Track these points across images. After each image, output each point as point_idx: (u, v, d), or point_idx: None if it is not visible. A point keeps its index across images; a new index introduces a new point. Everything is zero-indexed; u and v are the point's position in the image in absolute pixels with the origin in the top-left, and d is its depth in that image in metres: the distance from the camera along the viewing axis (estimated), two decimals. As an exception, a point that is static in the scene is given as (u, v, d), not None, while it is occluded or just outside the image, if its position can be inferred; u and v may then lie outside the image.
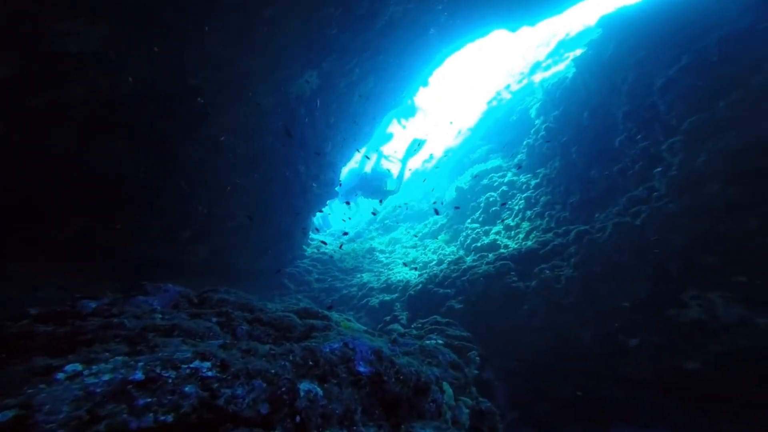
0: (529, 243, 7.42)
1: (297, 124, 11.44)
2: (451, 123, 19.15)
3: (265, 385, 1.43)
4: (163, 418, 1.14)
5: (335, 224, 25.05)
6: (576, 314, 5.06)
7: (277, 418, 1.44)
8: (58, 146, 7.19)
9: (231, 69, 9.15)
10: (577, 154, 8.06)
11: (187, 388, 1.28)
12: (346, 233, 20.80)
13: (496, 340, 6.53)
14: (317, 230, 21.11)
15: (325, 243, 19.62)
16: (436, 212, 12.45)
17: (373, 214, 20.87)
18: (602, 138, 7.36)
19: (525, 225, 9.53)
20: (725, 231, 4.39)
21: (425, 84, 17.50)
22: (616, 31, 7.52)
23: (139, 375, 1.21)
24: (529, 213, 9.49)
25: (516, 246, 9.58)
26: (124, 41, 6.91)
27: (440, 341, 6.72)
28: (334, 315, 9.27)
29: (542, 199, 9.16)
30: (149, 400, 1.16)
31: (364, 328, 9.08)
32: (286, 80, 10.72)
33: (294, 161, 11.06)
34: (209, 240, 9.23)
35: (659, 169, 5.25)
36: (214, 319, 2.81)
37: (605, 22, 8.10)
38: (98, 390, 1.09)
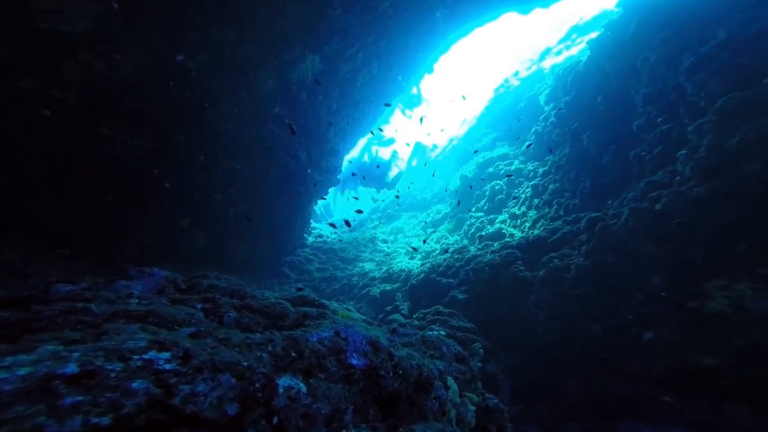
0: (537, 231, 7.14)
1: (298, 110, 11.14)
2: (464, 98, 18.65)
3: (234, 380, 1.20)
4: (96, 420, 0.90)
5: (338, 213, 24.83)
6: (586, 305, 4.80)
7: (249, 419, 1.21)
8: (52, 131, 6.98)
9: (230, 52, 8.85)
10: (589, 140, 7.70)
11: (134, 384, 1.04)
12: (348, 223, 20.57)
13: (501, 331, 6.30)
14: (318, 217, 20.93)
15: (333, 225, 19.54)
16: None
17: (374, 201, 20.67)
18: (617, 123, 7.01)
19: (532, 213, 9.23)
20: (761, 216, 4.05)
21: (430, 71, 17.06)
22: (638, 10, 7.11)
23: (71, 368, 0.98)
24: (536, 201, 9.18)
25: (522, 234, 9.31)
26: (117, 20, 6.64)
27: (442, 332, 6.51)
28: (333, 304, 9.08)
29: (550, 186, 8.84)
30: (80, 398, 0.93)
31: (363, 317, 8.90)
32: (287, 65, 10.40)
33: (295, 148, 10.79)
34: (208, 227, 9.03)
35: (684, 152, 4.90)
36: (199, 306, 2.58)
37: (626, 1, 7.67)
38: (6, 387, 0.86)
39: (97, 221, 7.81)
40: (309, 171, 11.39)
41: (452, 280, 8.92)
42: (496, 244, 8.87)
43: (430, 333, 3.28)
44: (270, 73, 10.08)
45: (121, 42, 6.80)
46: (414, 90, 21.28)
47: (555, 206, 8.07)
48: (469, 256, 8.89)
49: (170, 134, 8.04)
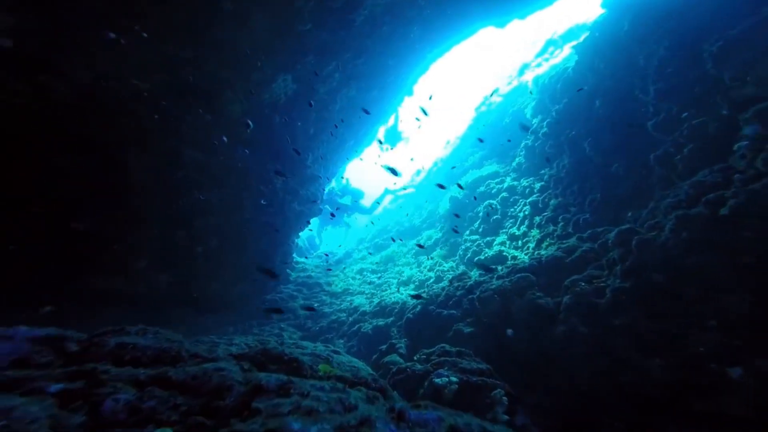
0: (549, 251, 6.27)
1: (272, 134, 10.30)
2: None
3: None
4: None
5: (324, 245, 23.60)
6: (635, 337, 3.86)
7: None
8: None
9: (192, 71, 8.03)
10: (591, 147, 7.06)
11: None
12: (327, 255, 19.55)
13: (523, 371, 5.27)
14: (302, 250, 19.71)
15: (327, 255, 18.47)
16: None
17: (372, 223, 19.84)
18: (623, 125, 6.39)
19: (534, 233, 8.42)
20: None
21: (410, 93, 16.68)
22: (628, 5, 6.69)
23: None
24: (537, 219, 8.40)
25: (527, 255, 8.43)
26: (42, 35, 5.73)
27: (454, 379, 5.42)
28: (319, 347, 7.85)
29: (552, 202, 8.10)
30: None
31: (355, 363, 7.66)
32: (257, 85, 9.62)
33: (269, 175, 9.84)
34: (171, 269, 7.83)
35: (744, 143, 4.16)
36: (57, 387, 1.52)
37: (610, 1, 7.31)
38: None
39: (38, 261, 6.56)
40: (286, 200, 10.41)
41: (454, 311, 7.88)
42: (501, 268, 7.95)
43: (458, 420, 2.14)
44: (238, 94, 9.27)
45: (53, 61, 5.86)
46: (391, 121, 20.99)
47: (561, 223, 7.30)
48: (472, 283, 7.93)
49: (123, 162, 7.00)
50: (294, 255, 17.47)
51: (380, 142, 20.92)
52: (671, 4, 5.96)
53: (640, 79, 6.23)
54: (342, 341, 10.63)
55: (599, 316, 4.30)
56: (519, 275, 6.01)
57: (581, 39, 8.51)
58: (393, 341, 8.65)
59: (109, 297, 7.30)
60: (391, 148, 21.52)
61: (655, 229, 4.24)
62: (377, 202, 21.17)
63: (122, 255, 6.97)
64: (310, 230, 21.13)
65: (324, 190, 13.47)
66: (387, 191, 21.71)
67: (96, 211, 6.54)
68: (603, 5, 7.62)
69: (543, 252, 7.97)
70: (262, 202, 9.74)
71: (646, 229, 4.41)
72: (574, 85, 8.12)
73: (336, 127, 11.91)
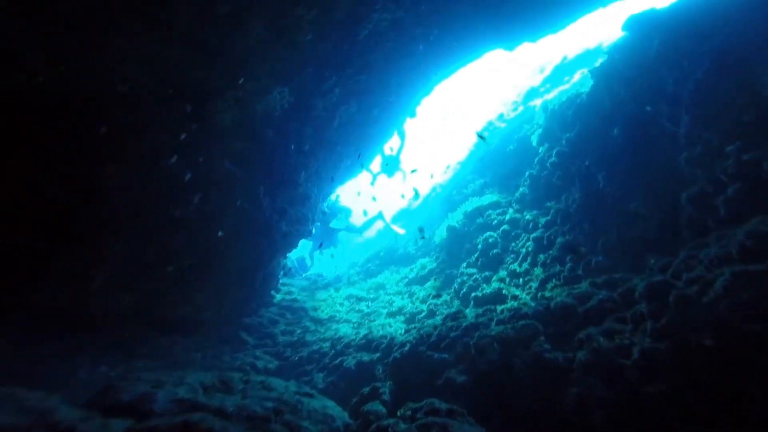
0: (556, 294, 5.58)
1: (263, 148, 9.68)
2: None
3: None
4: None
5: (315, 266, 22.65)
6: (679, 408, 3.11)
7: None
8: None
9: (176, 76, 7.46)
10: (606, 181, 6.46)
11: None
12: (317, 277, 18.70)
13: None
14: (290, 271, 18.81)
15: (317, 277, 17.62)
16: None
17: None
18: (646, 158, 5.81)
19: (537, 271, 7.72)
20: None
21: (413, 114, 16.28)
22: (655, 28, 6.24)
23: None
24: (542, 257, 7.72)
25: (528, 296, 7.69)
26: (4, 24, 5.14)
27: (443, 451, 4.60)
28: (290, 388, 6.91)
29: (558, 240, 7.45)
30: None
31: (329, 411, 6.73)
32: (250, 95, 9.05)
33: (256, 192, 9.16)
34: (135, 288, 7.02)
35: None
36: None
37: (635, 23, 6.88)
38: None
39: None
40: (273, 219, 9.69)
41: (447, 356, 7.07)
42: (500, 308, 7.19)
43: None
44: (229, 103, 8.70)
45: (17, 54, 5.25)
46: (391, 148, 20.55)
47: (569, 263, 6.63)
48: (467, 324, 7.14)
49: (89, 169, 6.31)
50: (281, 276, 16.61)
51: (372, 174, 20.47)
52: (712, 22, 5.45)
53: (668, 105, 5.69)
54: (322, 375, 9.67)
55: (625, 379, 3.56)
56: (523, 323, 5.26)
57: (598, 63, 8.07)
58: (377, 384, 7.74)
59: (59, 317, 6.46)
60: (389, 177, 20.96)
61: (696, 283, 3.58)
62: (368, 224, 20.51)
63: (76, 271, 6.18)
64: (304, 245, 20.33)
65: (316, 210, 12.77)
66: (380, 216, 21.03)
67: (50, 221, 5.80)
68: (625, 27, 7.19)
69: (547, 294, 7.23)
70: (247, 219, 9.03)
71: (685, 283, 3.74)
72: (588, 111, 7.59)
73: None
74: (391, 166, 21.13)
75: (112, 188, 6.39)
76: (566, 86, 11.04)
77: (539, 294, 7.15)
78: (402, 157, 20.61)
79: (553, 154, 8.51)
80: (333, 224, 18.69)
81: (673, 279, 3.98)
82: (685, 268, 4.06)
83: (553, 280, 6.96)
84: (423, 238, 11.52)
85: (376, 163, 19.42)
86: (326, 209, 17.56)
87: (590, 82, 8.04)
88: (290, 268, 19.03)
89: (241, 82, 8.60)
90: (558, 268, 6.99)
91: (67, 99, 5.96)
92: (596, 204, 6.67)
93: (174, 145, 7.51)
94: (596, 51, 13.28)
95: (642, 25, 6.70)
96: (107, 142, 6.38)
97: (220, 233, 7.36)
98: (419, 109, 16.03)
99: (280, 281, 15.70)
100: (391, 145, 19.33)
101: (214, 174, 8.25)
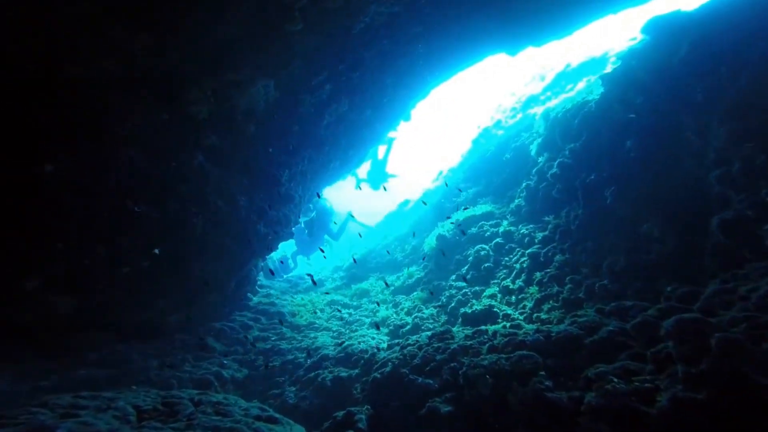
0: (555, 318, 5.00)
1: (242, 143, 8.95)
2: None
3: None
4: None
5: (299, 268, 21.77)
6: None
7: None
8: None
9: (143, 58, 6.67)
10: (615, 198, 5.89)
11: None
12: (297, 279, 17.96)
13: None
14: (271, 273, 17.99)
15: (298, 279, 16.91)
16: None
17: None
18: (664, 175, 5.26)
19: (533, 290, 7.14)
20: None
21: (407, 118, 15.70)
22: (683, 32, 5.70)
23: None
24: (538, 275, 7.15)
25: (522, 315, 7.09)
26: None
27: None
28: (252, 411, 6.10)
29: (557, 258, 6.89)
30: None
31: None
32: (231, 87, 8.31)
33: (232, 190, 8.42)
34: (80, 291, 6.20)
35: None
36: None
37: (657, 25, 6.33)
38: None
39: None
40: (250, 220, 8.95)
41: (431, 381, 6.41)
42: (491, 329, 6.57)
43: None
44: (206, 94, 7.94)
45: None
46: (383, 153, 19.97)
47: (569, 285, 6.07)
48: (455, 347, 6.51)
49: (31, 158, 5.50)
50: (260, 278, 15.78)
51: (357, 181, 19.86)
52: (760, 24, 4.90)
53: (693, 117, 5.13)
54: (294, 389, 8.91)
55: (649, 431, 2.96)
56: (521, 353, 4.63)
57: (608, 69, 7.55)
58: (352, 410, 7.04)
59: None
60: (374, 190, 20.33)
61: (738, 324, 3.01)
62: (343, 227, 19.91)
63: (4, 270, 5.36)
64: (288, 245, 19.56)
65: (299, 211, 12.04)
66: (350, 216, 20.43)
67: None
68: (645, 30, 6.62)
69: (543, 315, 6.64)
70: (220, 219, 8.27)
71: (728, 324, 3.17)
72: (597, 121, 7.03)
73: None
74: (377, 178, 20.58)
75: (56, 180, 5.58)
76: (570, 94, 10.54)
77: (534, 315, 6.56)
78: (387, 168, 20.12)
79: (555, 166, 7.96)
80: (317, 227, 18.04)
81: (705, 315, 3.40)
82: (720, 304, 3.50)
83: (551, 302, 6.38)
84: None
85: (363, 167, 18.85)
86: (311, 206, 16.92)
87: (600, 90, 7.51)
88: (271, 270, 18.22)
89: (222, 74, 7.88)
90: (556, 288, 6.42)
91: (16, 82, 5.17)
92: (602, 222, 6.12)
93: (138, 137, 6.74)
94: (602, 59, 12.88)
95: (667, 28, 6.13)
96: (57, 131, 5.59)
97: (156, 251, 6.61)
98: (414, 113, 15.47)
99: (259, 283, 14.91)
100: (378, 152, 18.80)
101: (183, 168, 7.48)
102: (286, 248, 18.96)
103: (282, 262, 19.69)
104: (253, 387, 9.02)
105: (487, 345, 5.56)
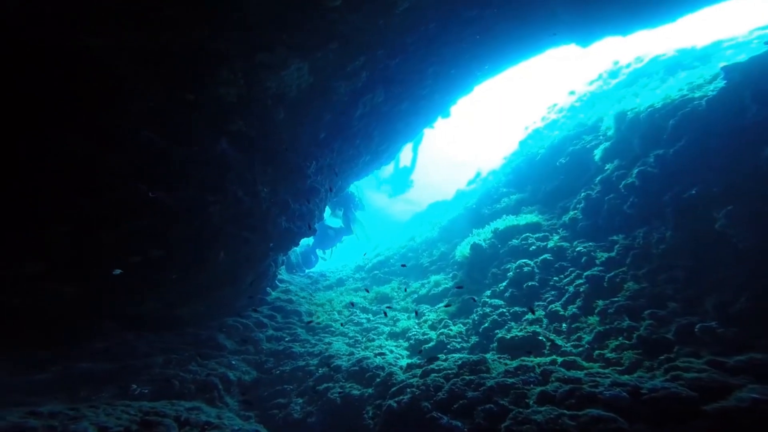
0: (642, 368, 3.91)
1: (269, 131, 8.25)
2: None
3: None
4: None
5: (321, 264, 21.14)
6: None
7: None
8: None
9: (166, 32, 6.02)
10: (732, 221, 4.68)
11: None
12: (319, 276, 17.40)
13: None
14: (293, 267, 17.48)
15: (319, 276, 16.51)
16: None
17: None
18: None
19: (592, 320, 6.03)
20: None
21: (446, 114, 14.63)
22: None
23: None
24: (601, 303, 6.01)
25: (577, 349, 6.00)
26: None
27: None
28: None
29: (628, 285, 5.74)
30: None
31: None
32: (262, 68, 7.57)
33: (254, 179, 7.74)
34: (85, 277, 5.68)
35: None
36: None
37: None
38: None
39: None
40: (271, 212, 8.26)
41: (459, 424, 5.48)
42: (538, 366, 5.54)
43: None
44: (236, 75, 7.26)
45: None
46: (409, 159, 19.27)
47: (649, 321, 4.94)
48: (492, 384, 5.53)
49: (38, 133, 4.95)
50: (281, 271, 15.27)
51: (379, 182, 19.19)
52: None
53: None
54: (301, 401, 8.20)
55: None
56: (594, 412, 3.60)
57: (742, 57, 6.14)
58: (365, 441, 6.21)
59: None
60: (392, 196, 19.72)
61: None
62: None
63: (9, 253, 4.86)
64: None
65: (324, 206, 11.30)
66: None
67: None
68: None
69: (608, 354, 5.50)
70: (239, 210, 7.62)
71: None
72: (706, 122, 5.73)
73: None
74: (399, 184, 19.85)
75: (67, 159, 5.03)
76: (656, 92, 8.92)
77: (596, 352, 5.45)
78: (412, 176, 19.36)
79: (634, 175, 6.68)
80: (329, 223, 17.55)
81: None
82: None
83: (620, 338, 5.25)
84: None
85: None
86: (348, 202, 16.37)
87: (717, 84, 6.09)
88: (294, 264, 17.72)
89: (254, 53, 7.18)
90: (627, 322, 5.27)
91: (22, 51, 4.60)
92: (705, 249, 4.90)
93: (157, 117, 6.13)
94: (703, 51, 10.53)
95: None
96: (65, 106, 5.01)
97: (155, 252, 5.95)
98: (454, 109, 14.37)
99: (279, 277, 14.40)
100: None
101: (205, 154, 6.85)
102: (305, 241, 18.44)
103: (304, 256, 19.17)
104: (260, 390, 8.42)
105: (538, 390, 4.55)
